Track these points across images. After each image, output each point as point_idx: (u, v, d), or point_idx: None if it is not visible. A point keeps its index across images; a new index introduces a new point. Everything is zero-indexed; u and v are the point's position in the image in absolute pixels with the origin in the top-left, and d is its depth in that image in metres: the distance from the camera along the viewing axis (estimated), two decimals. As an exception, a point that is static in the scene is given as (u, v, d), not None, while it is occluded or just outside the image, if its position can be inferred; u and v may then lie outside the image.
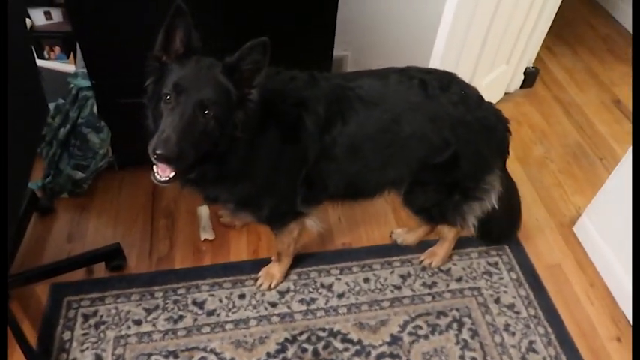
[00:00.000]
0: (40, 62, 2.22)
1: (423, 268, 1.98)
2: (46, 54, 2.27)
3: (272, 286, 1.88)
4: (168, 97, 1.21)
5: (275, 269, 1.89)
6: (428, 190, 1.67)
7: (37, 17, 2.17)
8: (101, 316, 1.77)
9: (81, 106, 2.08)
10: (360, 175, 1.59)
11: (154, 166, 1.24)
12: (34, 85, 1.60)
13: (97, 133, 2.08)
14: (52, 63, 2.23)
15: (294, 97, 1.42)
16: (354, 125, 1.46)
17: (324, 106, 1.44)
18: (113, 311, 1.78)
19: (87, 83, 2.01)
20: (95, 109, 2.06)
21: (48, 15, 2.21)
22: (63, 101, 2.10)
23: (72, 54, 2.24)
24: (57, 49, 2.26)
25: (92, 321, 1.75)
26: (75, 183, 2.11)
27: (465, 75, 2.31)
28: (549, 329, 1.84)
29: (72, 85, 2.08)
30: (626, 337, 1.85)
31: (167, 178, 1.25)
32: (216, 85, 1.22)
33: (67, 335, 1.71)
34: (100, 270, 1.91)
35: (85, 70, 1.95)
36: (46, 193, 2.10)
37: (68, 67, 2.19)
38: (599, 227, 2.06)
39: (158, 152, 1.15)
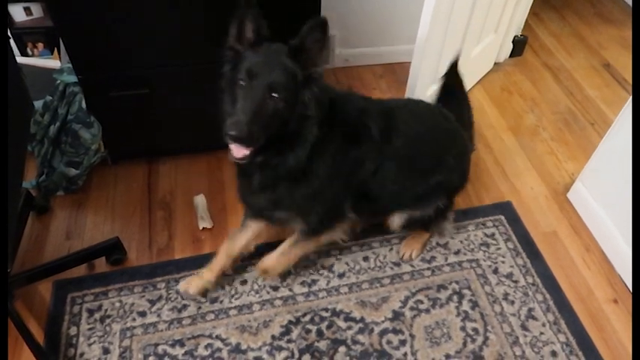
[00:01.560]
0: (23, 59, 2.19)
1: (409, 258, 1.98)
2: (29, 50, 2.24)
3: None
4: (242, 83, 1.30)
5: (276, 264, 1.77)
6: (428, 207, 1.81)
7: (17, 13, 2.14)
8: (106, 310, 1.78)
9: (69, 102, 2.06)
10: (407, 188, 1.71)
11: (230, 146, 1.33)
12: (15, 82, 1.57)
13: (88, 128, 2.06)
14: (36, 60, 2.21)
15: (356, 104, 1.55)
16: (407, 138, 1.62)
17: (382, 117, 1.58)
18: (117, 304, 1.80)
19: (74, 79, 1.99)
20: (84, 105, 2.04)
21: (28, 11, 2.18)
22: (51, 98, 2.08)
23: (56, 49, 2.21)
24: (40, 45, 2.23)
25: (97, 315, 1.77)
26: (69, 180, 2.10)
27: (453, 47, 2.31)
28: (547, 296, 1.87)
29: (58, 82, 2.06)
30: (622, 299, 1.89)
31: (242, 156, 1.32)
32: (283, 68, 1.31)
33: (73, 331, 1.73)
34: (101, 265, 1.92)
35: (70, 65, 1.93)
36: (41, 192, 2.10)
37: (53, 63, 2.17)
38: (593, 192, 2.09)
39: (230, 133, 1.25)
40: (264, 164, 1.45)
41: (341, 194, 1.63)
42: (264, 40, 1.34)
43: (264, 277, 1.82)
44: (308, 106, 1.35)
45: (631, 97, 1.83)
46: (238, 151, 1.32)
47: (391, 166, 1.62)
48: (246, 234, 1.82)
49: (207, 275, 1.81)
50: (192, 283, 1.79)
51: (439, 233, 2.02)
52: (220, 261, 1.80)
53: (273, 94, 1.29)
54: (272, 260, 1.75)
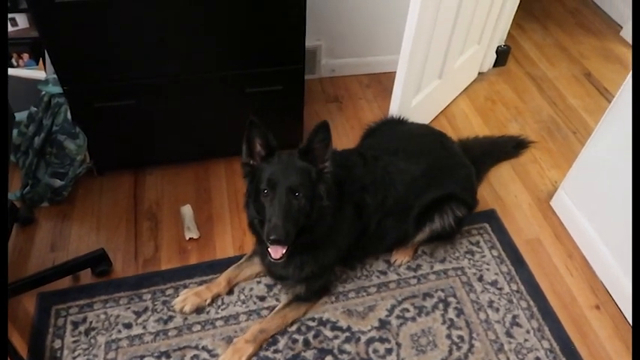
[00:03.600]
0: (9, 70, 2.17)
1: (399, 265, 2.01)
2: (14, 61, 2.23)
3: None
4: (265, 191, 1.48)
5: (247, 347, 1.70)
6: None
7: (2, 25, 2.12)
8: (90, 322, 1.77)
9: (54, 113, 2.05)
10: (402, 229, 1.88)
11: (269, 248, 1.49)
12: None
13: (73, 139, 2.06)
14: (21, 71, 2.19)
15: (358, 182, 1.73)
16: (403, 186, 1.79)
17: (378, 186, 1.75)
18: (102, 317, 1.79)
19: (59, 90, 1.99)
20: (69, 116, 2.03)
21: (13, 21, 2.18)
22: (35, 109, 2.07)
23: (41, 60, 2.21)
24: (25, 55, 2.23)
25: (82, 328, 1.76)
26: (54, 191, 2.09)
27: (437, 58, 2.35)
28: (531, 302, 1.89)
29: (43, 93, 2.05)
30: (604, 305, 1.91)
31: (281, 256, 1.49)
32: (298, 170, 1.50)
33: (57, 344, 1.71)
34: (87, 277, 1.91)
35: (55, 76, 1.92)
36: (26, 203, 2.08)
37: (38, 73, 2.16)
38: (575, 199, 2.12)
39: (272, 238, 1.42)
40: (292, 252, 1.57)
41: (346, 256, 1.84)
42: (274, 151, 1.52)
43: (257, 337, 1.73)
44: (323, 197, 1.53)
45: (610, 105, 1.87)
46: (276, 252, 1.48)
47: (389, 220, 1.82)
48: (252, 268, 1.91)
49: (204, 294, 1.82)
50: (189, 301, 1.80)
51: (430, 253, 2.04)
52: (221, 284, 1.84)
53: (296, 194, 1.47)
54: (267, 321, 1.75)
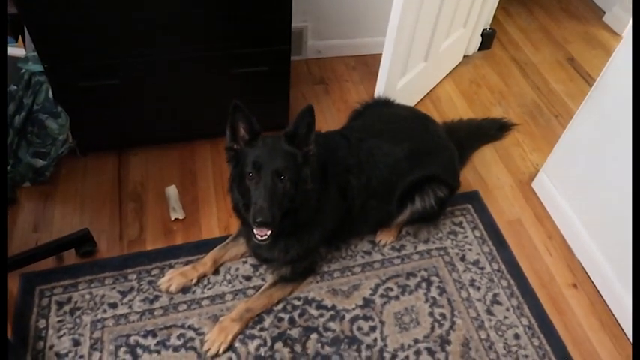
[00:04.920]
0: (-14, 48, 2.12)
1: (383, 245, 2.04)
2: (-8, 39, 2.17)
3: (221, 350, 1.67)
4: (250, 175, 1.48)
5: (233, 325, 1.72)
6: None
7: (-21, 0, 2.06)
8: (75, 302, 1.77)
9: (35, 91, 2.01)
10: (385, 211, 1.91)
11: (254, 230, 1.50)
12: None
13: (55, 118, 2.03)
14: (-1, 48, 2.14)
15: (342, 164, 1.74)
16: (386, 168, 1.80)
17: (362, 168, 1.76)
18: (87, 296, 1.78)
19: (39, 68, 1.95)
20: (50, 94, 2.00)
21: (-10, -3, 2.11)
22: (16, 87, 2.03)
23: (20, 37, 2.15)
24: (3, 33, 2.17)
25: (67, 307, 1.75)
26: (36, 171, 2.06)
27: (423, 41, 2.35)
28: (512, 281, 1.94)
29: (23, 71, 2.01)
30: (581, 284, 1.97)
31: (265, 237, 1.50)
32: (283, 154, 1.50)
33: (42, 323, 1.71)
34: (71, 257, 1.90)
35: (35, 53, 1.89)
36: (7, 183, 2.05)
37: (18, 51, 2.10)
38: (556, 182, 2.17)
39: (258, 220, 1.43)
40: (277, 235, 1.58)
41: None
42: (258, 135, 1.52)
43: (243, 316, 1.75)
44: (308, 181, 1.55)
45: (590, 90, 1.91)
46: (262, 233, 1.50)
47: (373, 201, 1.83)
48: (238, 247, 1.91)
49: (190, 274, 1.83)
50: (175, 281, 1.81)
51: (414, 234, 2.07)
52: (206, 263, 1.86)
53: (281, 177, 1.47)
54: (253, 300, 1.77)
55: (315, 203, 1.62)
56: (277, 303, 1.81)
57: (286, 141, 1.52)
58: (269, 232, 1.50)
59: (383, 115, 2.04)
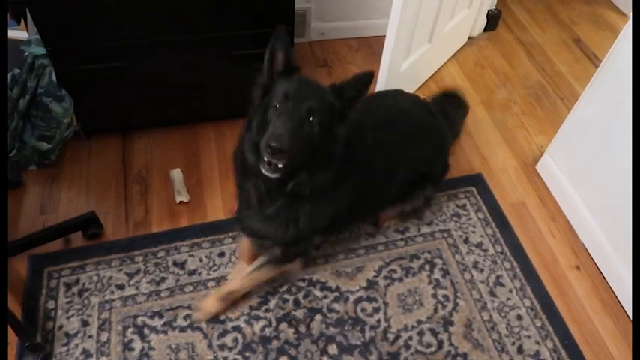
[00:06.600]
0: (-11, 31, 2.12)
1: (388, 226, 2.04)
2: (-6, 22, 2.17)
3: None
4: (277, 106, 1.29)
5: (214, 304, 1.73)
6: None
7: (-20, -18, 2.05)
8: (83, 283, 1.79)
9: (39, 74, 2.01)
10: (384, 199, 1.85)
11: (264, 158, 1.28)
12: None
13: (59, 102, 2.03)
14: (2, 31, 2.14)
15: (365, 142, 1.59)
16: (383, 157, 1.69)
17: (366, 156, 1.62)
18: (95, 278, 1.81)
19: (42, 51, 1.95)
20: (54, 78, 2.00)
21: (-9, -21, 2.09)
22: (19, 71, 2.03)
23: (23, 20, 2.14)
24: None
25: (75, 289, 1.78)
26: (42, 154, 2.07)
27: (427, 22, 2.33)
28: (515, 263, 1.95)
29: (27, 54, 2.01)
30: (584, 266, 1.98)
31: (276, 170, 1.30)
32: (320, 94, 1.33)
33: (51, 304, 1.74)
34: (77, 239, 1.92)
35: (38, 36, 1.88)
36: (13, 167, 2.06)
37: (20, 34, 2.10)
38: (560, 164, 2.16)
39: (272, 145, 1.22)
40: (284, 188, 1.42)
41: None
42: (294, 69, 1.36)
43: (229, 296, 1.74)
44: (337, 141, 1.38)
45: (596, 71, 1.89)
46: (273, 161, 1.28)
47: (374, 185, 1.70)
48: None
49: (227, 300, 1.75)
50: (209, 304, 1.73)
51: (419, 218, 2.07)
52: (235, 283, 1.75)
53: (311, 118, 1.29)
54: (238, 282, 1.73)
55: (332, 174, 1.43)
56: (281, 285, 1.83)
57: (332, 89, 1.36)
58: (280, 166, 1.29)
59: (384, 104, 1.97)
